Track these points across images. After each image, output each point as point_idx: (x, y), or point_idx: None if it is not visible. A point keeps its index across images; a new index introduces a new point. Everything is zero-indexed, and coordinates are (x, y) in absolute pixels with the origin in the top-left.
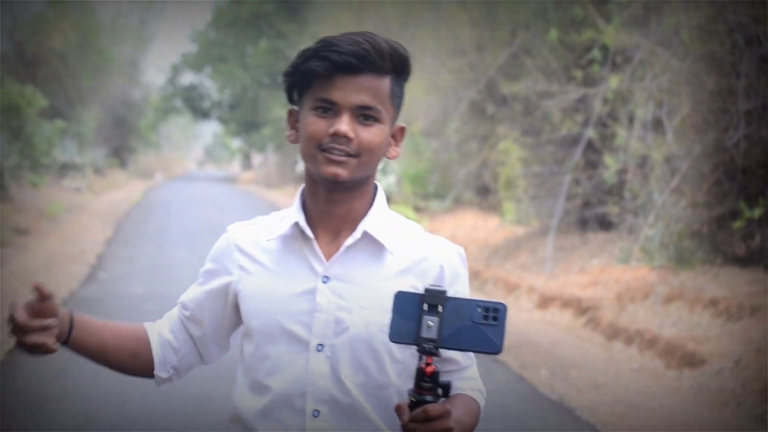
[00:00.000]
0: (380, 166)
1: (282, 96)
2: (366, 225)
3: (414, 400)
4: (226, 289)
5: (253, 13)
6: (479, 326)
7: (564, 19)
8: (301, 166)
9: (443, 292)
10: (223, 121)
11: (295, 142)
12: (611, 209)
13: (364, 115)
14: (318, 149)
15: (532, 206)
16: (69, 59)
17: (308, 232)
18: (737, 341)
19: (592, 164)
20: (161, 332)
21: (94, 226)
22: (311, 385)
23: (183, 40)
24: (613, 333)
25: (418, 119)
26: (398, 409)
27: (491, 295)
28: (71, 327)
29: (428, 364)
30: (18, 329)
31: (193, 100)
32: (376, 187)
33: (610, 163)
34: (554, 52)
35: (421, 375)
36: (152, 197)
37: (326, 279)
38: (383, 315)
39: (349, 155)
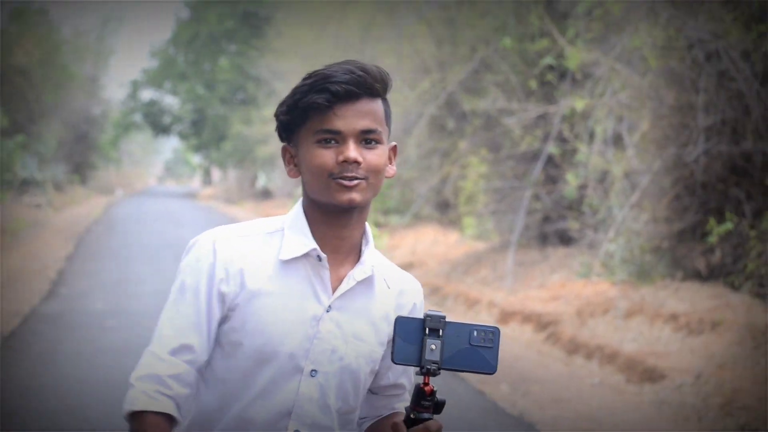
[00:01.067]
0: None
1: (242, 112)
2: (371, 260)
3: (413, 417)
4: (221, 302)
5: (213, 31)
6: (476, 348)
7: (524, 33)
8: (261, 182)
9: (443, 317)
10: (183, 136)
11: (296, 176)
12: (571, 224)
13: (367, 139)
14: (330, 179)
15: (493, 221)
16: (31, 75)
17: (325, 261)
18: (698, 356)
19: (552, 179)
20: (179, 396)
21: (55, 242)
22: (298, 407)
23: (143, 56)
24: (574, 348)
25: None
26: (395, 427)
27: (451, 310)
28: None
29: (426, 384)
30: None
31: (154, 116)
32: None
33: (571, 179)
34: (514, 67)
35: (421, 394)
36: (113, 213)
37: (329, 309)
38: (371, 347)
39: (359, 179)
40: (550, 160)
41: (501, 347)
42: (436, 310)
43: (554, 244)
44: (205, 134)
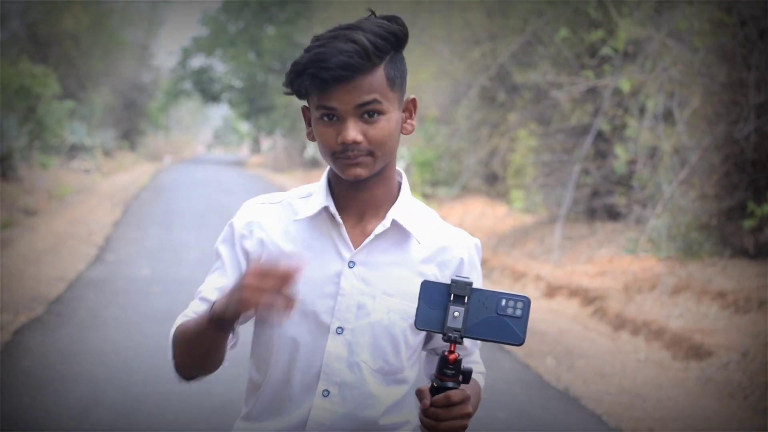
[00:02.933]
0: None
1: None
2: (394, 213)
3: (436, 385)
4: (246, 258)
5: None
6: (503, 318)
7: (578, 8)
8: (309, 152)
9: (469, 284)
10: (232, 104)
11: (313, 139)
12: (619, 199)
13: (368, 112)
14: (333, 156)
15: (541, 195)
16: (80, 41)
17: (338, 217)
18: (744, 334)
19: (601, 154)
20: None
21: (103, 208)
22: (327, 365)
23: (193, 24)
24: (620, 323)
25: (428, 106)
26: (419, 393)
27: (498, 283)
28: None
29: (451, 352)
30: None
31: (203, 84)
32: (401, 175)
33: (621, 154)
34: (566, 41)
35: (444, 362)
36: (161, 180)
37: (352, 264)
38: (405, 302)
39: (363, 155)
40: (599, 134)
41: (547, 321)
42: (463, 276)
43: (602, 218)
44: (255, 102)
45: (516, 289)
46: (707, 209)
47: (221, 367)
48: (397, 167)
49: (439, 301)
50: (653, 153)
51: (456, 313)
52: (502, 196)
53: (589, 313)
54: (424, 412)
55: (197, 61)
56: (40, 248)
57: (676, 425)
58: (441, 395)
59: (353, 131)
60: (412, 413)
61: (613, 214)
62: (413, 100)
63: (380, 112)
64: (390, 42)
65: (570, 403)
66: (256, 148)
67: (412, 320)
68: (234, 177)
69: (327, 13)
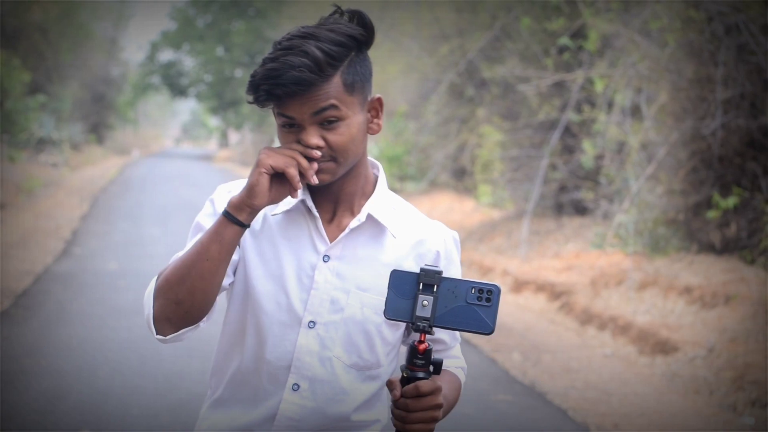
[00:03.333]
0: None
1: None
2: (369, 208)
3: (406, 375)
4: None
5: None
6: (473, 307)
7: (546, 4)
8: (276, 146)
9: (439, 272)
10: (201, 98)
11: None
12: (587, 194)
13: (327, 119)
14: None
15: (508, 190)
16: (49, 33)
17: (314, 211)
18: (711, 329)
19: (569, 149)
20: None
21: (70, 202)
22: (297, 359)
23: (162, 18)
24: (587, 318)
25: (397, 101)
26: (390, 384)
27: (465, 277)
28: None
29: (421, 342)
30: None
31: (172, 78)
32: (378, 168)
33: (589, 148)
34: (534, 36)
35: (414, 352)
36: (129, 174)
37: (326, 258)
38: (379, 298)
39: (326, 161)
40: (567, 130)
41: (514, 316)
42: (432, 266)
43: (569, 213)
44: (223, 96)
45: None
46: (674, 205)
47: (207, 319)
48: (374, 160)
49: (408, 291)
50: (621, 148)
51: (425, 302)
52: (470, 191)
53: (556, 308)
54: (395, 404)
55: (166, 56)
56: (8, 242)
57: (641, 421)
58: (410, 386)
59: (313, 137)
60: (382, 411)
61: (580, 209)
62: (379, 99)
63: (339, 118)
64: (348, 47)
65: (536, 398)
66: (224, 142)
67: None
68: (202, 171)
69: (296, 7)
